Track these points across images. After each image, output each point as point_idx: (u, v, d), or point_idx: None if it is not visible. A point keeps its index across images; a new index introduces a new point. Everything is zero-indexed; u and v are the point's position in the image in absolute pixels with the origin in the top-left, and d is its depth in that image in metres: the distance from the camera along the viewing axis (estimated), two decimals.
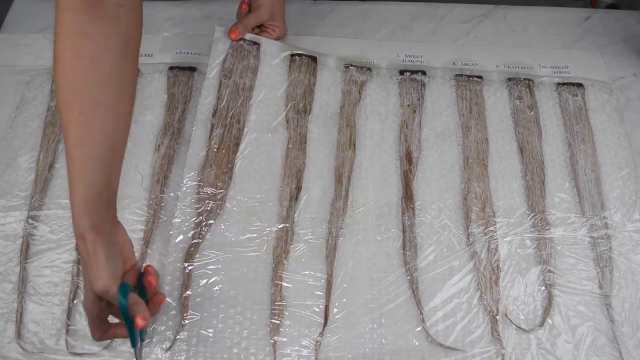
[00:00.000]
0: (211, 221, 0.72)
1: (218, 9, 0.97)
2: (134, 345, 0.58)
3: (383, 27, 0.94)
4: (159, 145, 0.79)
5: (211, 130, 0.78)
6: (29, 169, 0.78)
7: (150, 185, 0.76)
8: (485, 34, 0.95)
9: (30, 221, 0.73)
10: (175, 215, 0.72)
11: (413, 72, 0.87)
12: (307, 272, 0.70)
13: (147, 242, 0.72)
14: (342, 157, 0.78)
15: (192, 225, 0.72)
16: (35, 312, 0.68)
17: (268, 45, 0.87)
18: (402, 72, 0.87)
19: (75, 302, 0.68)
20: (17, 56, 0.90)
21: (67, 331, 0.67)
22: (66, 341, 0.66)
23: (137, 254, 0.71)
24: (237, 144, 0.78)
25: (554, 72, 0.89)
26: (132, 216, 0.74)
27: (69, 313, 0.68)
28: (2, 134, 0.81)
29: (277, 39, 0.88)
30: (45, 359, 0.65)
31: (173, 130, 0.81)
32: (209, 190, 0.74)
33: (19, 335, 0.67)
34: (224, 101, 0.80)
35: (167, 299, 0.67)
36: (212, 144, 0.77)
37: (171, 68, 0.87)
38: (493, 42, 0.92)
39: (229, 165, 0.76)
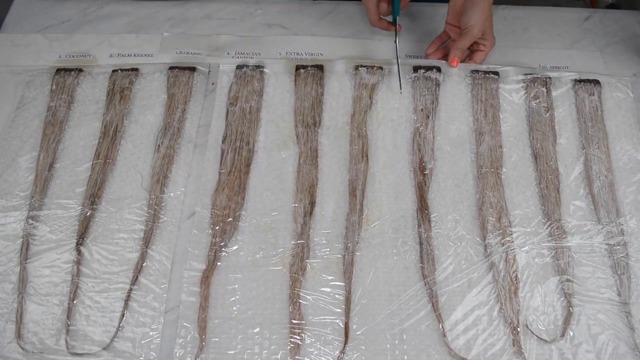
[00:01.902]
0: (226, 242, 0.72)
1: (218, 8, 0.97)
2: (394, 22, 0.86)
3: None
4: (159, 145, 0.79)
5: (222, 156, 0.78)
6: (29, 169, 0.78)
7: (150, 185, 0.76)
8: None
9: (30, 221, 0.73)
10: (190, 243, 0.72)
11: (427, 68, 0.86)
12: (325, 289, 0.70)
13: (147, 242, 0.72)
14: (355, 169, 0.78)
15: (207, 248, 0.72)
16: (35, 312, 0.68)
17: (272, 65, 0.86)
18: (415, 70, 0.86)
19: (75, 302, 0.68)
20: (17, 56, 0.90)
21: (67, 331, 0.67)
22: (66, 341, 0.66)
23: (136, 254, 0.71)
24: (248, 165, 0.78)
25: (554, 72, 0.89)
26: (132, 216, 0.74)
27: (69, 313, 0.67)
28: (2, 134, 0.81)
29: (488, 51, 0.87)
30: (45, 359, 0.65)
31: (173, 130, 0.81)
32: (222, 212, 0.74)
33: (19, 335, 0.66)
34: (232, 126, 0.80)
35: (185, 322, 0.67)
36: (223, 169, 0.77)
37: (171, 68, 0.87)
38: None
39: (242, 186, 0.76)
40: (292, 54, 0.91)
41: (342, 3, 0.98)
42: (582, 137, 0.81)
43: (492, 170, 0.78)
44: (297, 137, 0.80)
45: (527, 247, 0.73)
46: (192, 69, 0.87)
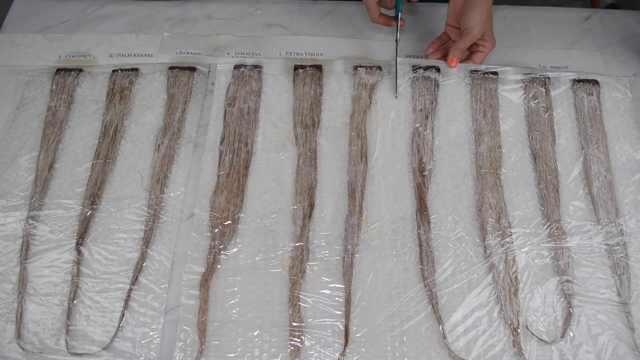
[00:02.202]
0: (225, 245, 0.72)
1: (218, 8, 0.97)
2: (397, 18, 0.85)
3: (383, 27, 0.94)
4: (159, 145, 0.79)
5: (220, 157, 0.78)
6: (29, 169, 0.78)
7: (150, 185, 0.76)
8: None
9: (30, 221, 0.73)
10: (189, 246, 0.72)
11: (426, 68, 0.86)
12: (325, 291, 0.70)
13: (147, 242, 0.72)
14: (354, 170, 0.77)
15: (206, 251, 0.72)
16: (35, 312, 0.68)
17: (270, 65, 0.86)
18: (414, 69, 0.86)
19: (75, 302, 0.68)
20: (17, 56, 0.90)
21: (67, 331, 0.67)
22: (66, 341, 0.66)
23: (136, 254, 0.71)
24: (247, 167, 0.78)
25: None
26: (132, 216, 0.74)
27: (69, 313, 0.68)
28: (2, 134, 0.81)
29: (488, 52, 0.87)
30: (45, 359, 0.65)
31: (173, 130, 0.81)
32: (221, 214, 0.74)
33: (19, 335, 0.67)
34: (230, 127, 0.80)
35: (184, 326, 0.67)
36: (221, 171, 0.77)
37: (171, 68, 0.87)
38: None
39: (240, 189, 0.76)
40: (292, 54, 0.91)
41: (342, 3, 0.98)
42: (581, 137, 0.81)
43: (491, 170, 0.78)
44: (295, 138, 0.80)
45: (526, 247, 0.73)
46: (192, 69, 0.87)
